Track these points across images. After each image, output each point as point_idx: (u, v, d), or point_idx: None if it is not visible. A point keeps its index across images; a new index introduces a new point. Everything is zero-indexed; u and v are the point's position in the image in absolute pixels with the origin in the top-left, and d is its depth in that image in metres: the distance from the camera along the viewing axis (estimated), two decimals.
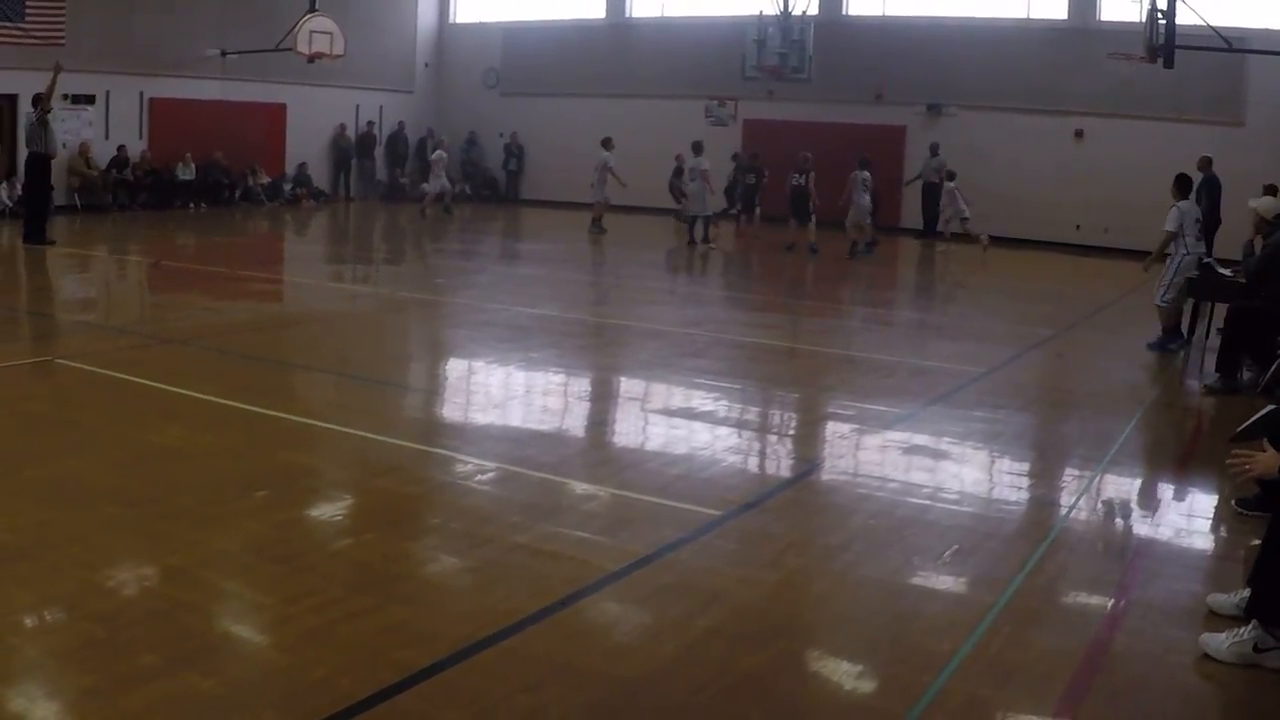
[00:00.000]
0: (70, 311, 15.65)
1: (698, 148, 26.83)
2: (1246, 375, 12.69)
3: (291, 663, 5.32)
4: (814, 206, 25.67)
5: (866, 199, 25.44)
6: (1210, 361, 13.09)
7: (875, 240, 26.17)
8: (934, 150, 30.22)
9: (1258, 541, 6.15)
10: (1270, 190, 18.69)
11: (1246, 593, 5.98)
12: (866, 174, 25.37)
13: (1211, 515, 8.49)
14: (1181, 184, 15.15)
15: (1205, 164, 22.10)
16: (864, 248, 25.70)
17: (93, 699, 4.87)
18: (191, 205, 30.34)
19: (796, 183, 26.03)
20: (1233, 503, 8.23)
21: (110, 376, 11.04)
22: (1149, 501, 8.87)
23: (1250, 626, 5.70)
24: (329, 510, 7.80)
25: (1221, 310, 13.68)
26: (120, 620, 5.64)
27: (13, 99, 26.48)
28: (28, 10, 26.02)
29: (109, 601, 5.87)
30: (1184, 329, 14.94)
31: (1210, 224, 20.23)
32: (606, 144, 28.85)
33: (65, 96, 27.53)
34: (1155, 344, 14.81)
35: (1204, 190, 21.61)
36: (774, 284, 22.24)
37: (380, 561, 6.64)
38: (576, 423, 10.74)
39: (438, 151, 31.94)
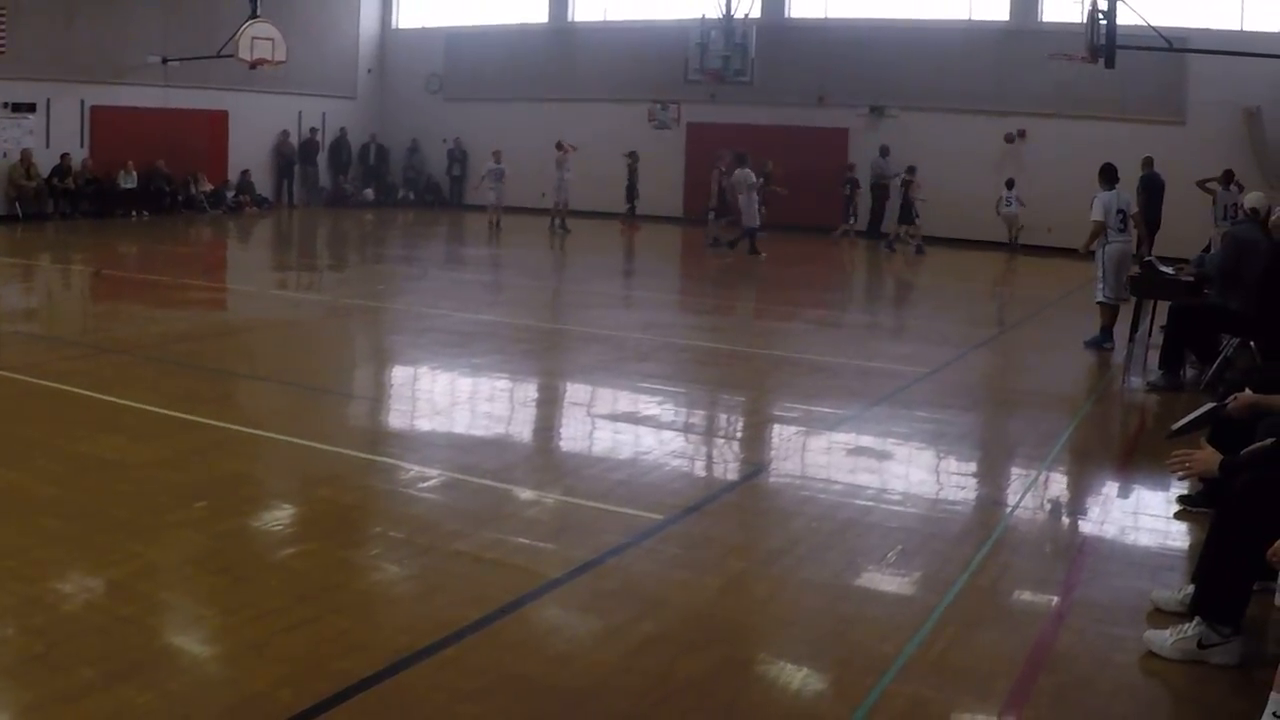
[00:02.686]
0: (9, 322, 15.42)
1: (741, 159, 26.71)
2: (1190, 372, 12.77)
3: (231, 675, 5.27)
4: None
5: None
6: (1154, 359, 13.16)
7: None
8: (883, 152, 30.31)
9: (1202, 538, 6.16)
10: (1228, 176, 18.85)
11: (1190, 589, 6.01)
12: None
13: (1155, 512, 8.50)
14: (1106, 173, 15.16)
15: (1147, 163, 22.33)
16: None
17: (32, 715, 4.81)
18: (134, 213, 30.10)
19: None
20: (1177, 499, 8.28)
21: (49, 388, 10.92)
22: (1093, 499, 8.90)
23: (1195, 623, 5.72)
24: (269, 520, 7.71)
25: (1163, 307, 13.74)
26: (59, 634, 5.55)
27: None
28: None
29: (47, 616, 5.78)
30: (1128, 326, 14.95)
31: (1150, 223, 20.38)
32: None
33: (5, 105, 27.37)
34: (1091, 341, 14.89)
35: (1143, 188, 21.78)
36: (720, 287, 22.20)
37: (320, 571, 6.57)
38: (520, 429, 10.71)
39: (490, 165, 30.45)
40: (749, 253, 25.48)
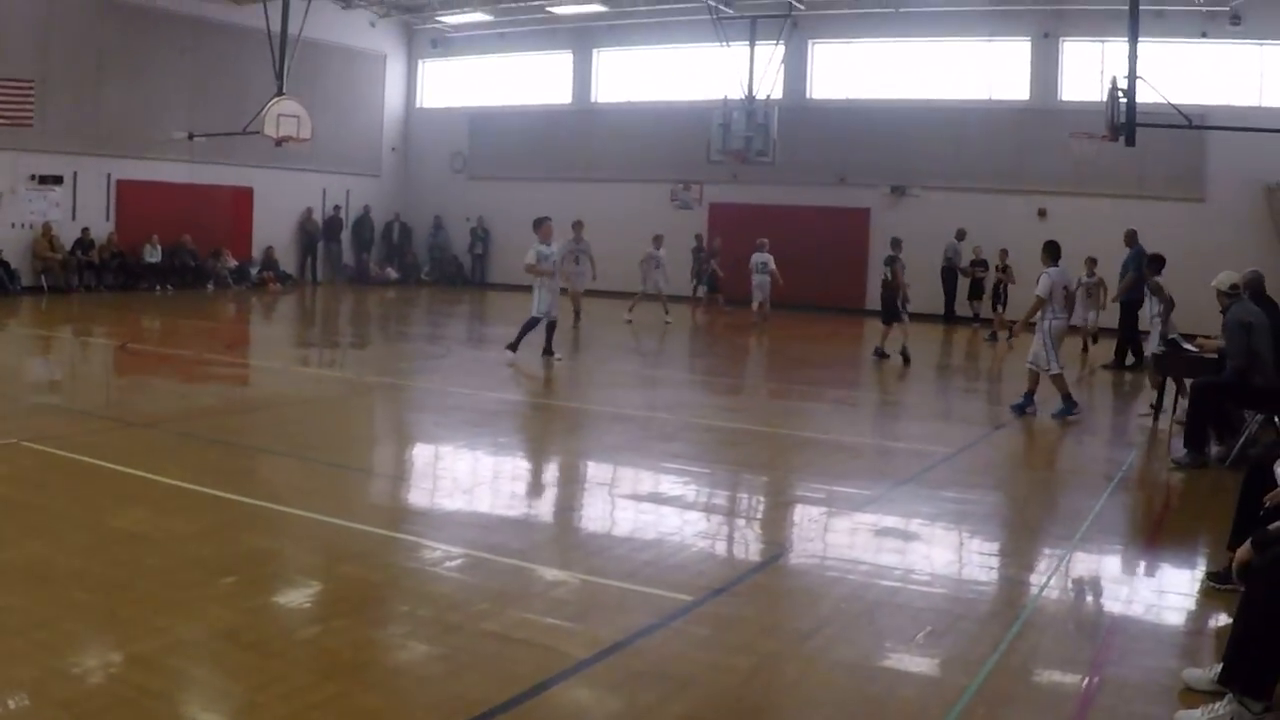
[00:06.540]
0: (35, 394, 15.51)
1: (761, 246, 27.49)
2: (1215, 450, 12.74)
3: None
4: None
5: None
6: (1176, 434, 13.15)
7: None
8: (959, 235, 29.99)
9: (1231, 615, 6.12)
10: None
11: (1220, 667, 5.97)
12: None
13: (1184, 590, 8.47)
14: (1051, 250, 15.64)
15: (1131, 238, 22.17)
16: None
17: None
18: (158, 287, 30.35)
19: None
20: (1205, 577, 8.25)
21: (75, 460, 10.94)
22: (1121, 578, 8.86)
23: (1226, 700, 5.70)
24: (296, 596, 7.70)
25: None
26: (85, 708, 5.54)
27: None
28: None
29: (74, 688, 5.77)
30: (1146, 404, 14.96)
31: (1138, 298, 20.13)
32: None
33: (32, 177, 27.66)
34: (1060, 412, 15.30)
35: (1132, 264, 21.48)
36: (742, 367, 22.17)
37: (348, 649, 6.55)
38: (545, 508, 10.70)
39: (649, 251, 28.92)
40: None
